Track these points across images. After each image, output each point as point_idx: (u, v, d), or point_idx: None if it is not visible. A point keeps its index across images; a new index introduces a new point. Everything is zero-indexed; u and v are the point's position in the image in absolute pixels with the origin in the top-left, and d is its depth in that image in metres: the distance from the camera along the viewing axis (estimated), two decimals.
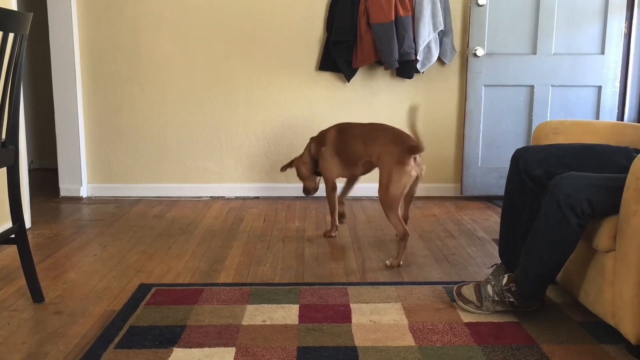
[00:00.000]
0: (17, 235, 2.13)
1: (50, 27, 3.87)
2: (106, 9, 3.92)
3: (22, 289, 2.31)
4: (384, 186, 2.66)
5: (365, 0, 3.77)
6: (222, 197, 4.11)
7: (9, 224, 2.99)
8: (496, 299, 2.07)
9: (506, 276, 2.07)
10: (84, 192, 4.08)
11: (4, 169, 2.78)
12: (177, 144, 4.08)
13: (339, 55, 3.90)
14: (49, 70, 3.94)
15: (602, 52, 3.89)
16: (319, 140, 3.09)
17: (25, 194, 3.21)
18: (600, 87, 3.92)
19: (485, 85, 3.93)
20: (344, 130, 2.98)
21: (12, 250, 2.79)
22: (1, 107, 1.96)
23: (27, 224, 3.23)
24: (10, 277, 2.46)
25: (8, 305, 2.18)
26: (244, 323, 2.02)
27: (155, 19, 3.95)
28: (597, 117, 3.95)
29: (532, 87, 3.94)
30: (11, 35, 1.97)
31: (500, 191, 3.89)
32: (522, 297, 2.02)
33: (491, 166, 4.01)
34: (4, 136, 2.07)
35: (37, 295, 2.21)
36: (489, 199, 4.06)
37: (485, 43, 3.89)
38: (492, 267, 2.24)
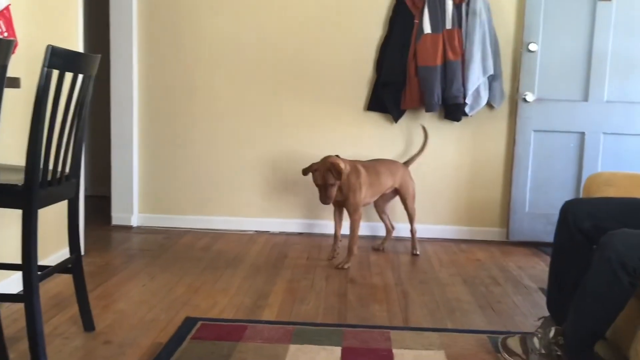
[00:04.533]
0: (74, 265, 2.22)
1: (112, 64, 4.06)
2: (165, 45, 4.09)
3: (74, 316, 2.40)
4: (412, 197, 3.71)
5: (415, 43, 3.83)
6: (266, 231, 4.17)
7: (64, 250, 3.11)
8: (543, 352, 2.03)
9: (554, 329, 2.04)
10: (134, 221, 4.21)
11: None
12: (224, 177, 4.18)
13: (388, 96, 3.95)
14: (108, 101, 4.12)
15: None
16: (353, 170, 3.41)
17: (81, 223, 3.33)
18: None
19: (534, 131, 3.91)
20: (368, 168, 3.52)
21: (66, 277, 2.88)
22: (67, 143, 2.07)
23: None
24: (63, 305, 2.55)
25: (61, 333, 2.25)
26: None
27: (210, 56, 4.09)
28: None
29: (583, 133, 3.90)
30: (80, 76, 2.09)
31: (548, 237, 3.82)
32: (569, 352, 1.98)
33: (539, 212, 3.96)
34: (67, 170, 2.18)
35: (88, 324, 2.28)
36: (535, 245, 3.99)
37: (536, 88, 3.88)
38: (540, 319, 2.20)
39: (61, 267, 2.14)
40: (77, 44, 3.21)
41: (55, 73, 1.85)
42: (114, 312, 2.50)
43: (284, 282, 3.00)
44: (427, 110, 3.85)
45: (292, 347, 2.18)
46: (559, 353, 2.00)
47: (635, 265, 1.75)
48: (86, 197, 5.20)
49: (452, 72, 3.78)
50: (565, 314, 2.04)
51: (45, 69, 1.79)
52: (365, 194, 3.44)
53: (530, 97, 3.87)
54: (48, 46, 1.78)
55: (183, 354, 2.09)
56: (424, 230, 4.09)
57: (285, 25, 4.05)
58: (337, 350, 2.16)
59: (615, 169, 3.73)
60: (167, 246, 3.68)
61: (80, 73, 2.02)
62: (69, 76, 2.11)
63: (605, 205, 2.08)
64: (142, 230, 4.12)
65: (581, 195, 2.58)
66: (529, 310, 2.71)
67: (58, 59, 1.83)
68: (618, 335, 2.06)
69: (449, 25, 3.79)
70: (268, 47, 4.07)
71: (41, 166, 1.86)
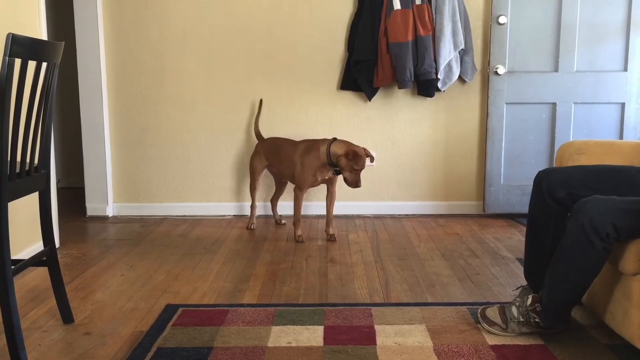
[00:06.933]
0: (48, 257, 2.19)
1: (79, 51, 3.97)
2: (132, 31, 4.01)
3: (52, 309, 2.37)
4: None
5: (385, 20, 3.81)
6: (245, 215, 4.15)
7: (38, 244, 3.06)
8: (521, 320, 2.06)
9: (531, 296, 2.07)
10: (110, 211, 4.15)
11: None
12: (200, 163, 4.14)
13: (360, 75, 3.93)
14: (76, 90, 4.04)
15: (625, 69, 3.88)
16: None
17: (55, 215, 3.28)
18: (623, 104, 3.90)
19: (507, 103, 3.93)
20: None
21: (42, 270, 2.85)
22: (34, 133, 2.02)
23: (56, 243, 3.30)
24: (41, 298, 2.52)
25: (39, 326, 2.22)
26: (269, 345, 2.05)
27: (179, 40, 4.03)
28: (621, 134, 3.92)
29: (554, 104, 3.93)
30: (44, 64, 2.04)
31: (523, 208, 3.88)
32: (547, 319, 2.02)
33: (514, 183, 4.00)
34: (36, 161, 2.13)
35: (67, 316, 2.25)
36: (512, 217, 4.05)
37: (507, 61, 3.89)
38: (517, 289, 2.23)
39: (35, 260, 2.11)
40: (39, 32, 3.13)
41: (18, 62, 1.80)
42: (93, 303, 2.47)
43: (264, 265, 3.00)
44: (400, 87, 3.84)
45: (275, 329, 2.18)
46: (537, 320, 2.04)
47: (607, 230, 1.78)
48: (60, 189, 5.14)
49: (424, 47, 3.77)
50: (542, 282, 2.07)
51: (7, 57, 1.74)
52: None
53: (501, 69, 3.89)
54: (9, 34, 1.73)
55: (165, 342, 2.07)
56: (402, 207, 4.11)
57: (255, 5, 4.00)
58: (320, 329, 2.17)
59: (586, 138, 3.79)
60: (144, 235, 3.65)
61: (44, 61, 1.97)
62: (32, 65, 2.07)
63: (578, 174, 2.11)
64: (118, 219, 4.07)
65: (554, 165, 2.62)
66: (506, 280, 2.75)
67: (20, 47, 1.78)
68: (594, 301, 2.10)
69: (418, 1, 3.78)
70: (238, 29, 4.02)
71: (9, 158, 1.82)
